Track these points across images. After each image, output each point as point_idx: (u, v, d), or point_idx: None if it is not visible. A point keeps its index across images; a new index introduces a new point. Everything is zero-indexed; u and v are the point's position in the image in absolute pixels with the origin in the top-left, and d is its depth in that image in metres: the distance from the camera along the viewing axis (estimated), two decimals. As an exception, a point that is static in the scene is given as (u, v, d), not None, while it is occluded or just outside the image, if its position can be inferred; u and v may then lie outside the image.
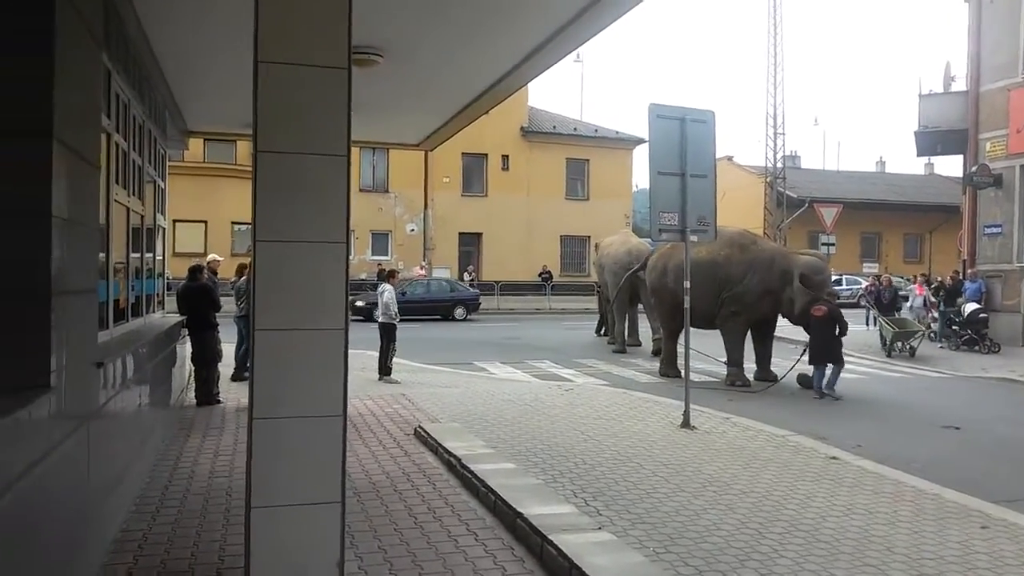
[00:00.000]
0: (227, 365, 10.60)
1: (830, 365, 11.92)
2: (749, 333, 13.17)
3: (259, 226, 3.66)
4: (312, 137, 3.71)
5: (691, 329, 12.81)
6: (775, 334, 13.84)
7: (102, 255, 5.37)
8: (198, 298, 9.72)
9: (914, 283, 22.61)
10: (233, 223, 30.94)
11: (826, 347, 11.98)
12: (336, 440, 3.75)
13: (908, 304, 20.90)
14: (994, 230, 20.11)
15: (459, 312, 26.93)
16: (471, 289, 29.67)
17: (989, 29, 20.25)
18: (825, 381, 11.87)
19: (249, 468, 3.74)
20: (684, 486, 6.42)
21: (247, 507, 3.73)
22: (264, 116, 3.64)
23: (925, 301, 20.54)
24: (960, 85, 21.72)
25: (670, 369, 13.65)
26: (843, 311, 12.65)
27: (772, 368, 13.34)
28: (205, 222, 31.37)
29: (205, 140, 29.56)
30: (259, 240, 3.66)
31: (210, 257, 11.84)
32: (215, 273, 11.25)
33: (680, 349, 11.78)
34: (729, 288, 12.81)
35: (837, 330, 11.96)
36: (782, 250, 14.41)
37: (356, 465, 6.97)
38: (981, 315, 18.16)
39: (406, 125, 8.54)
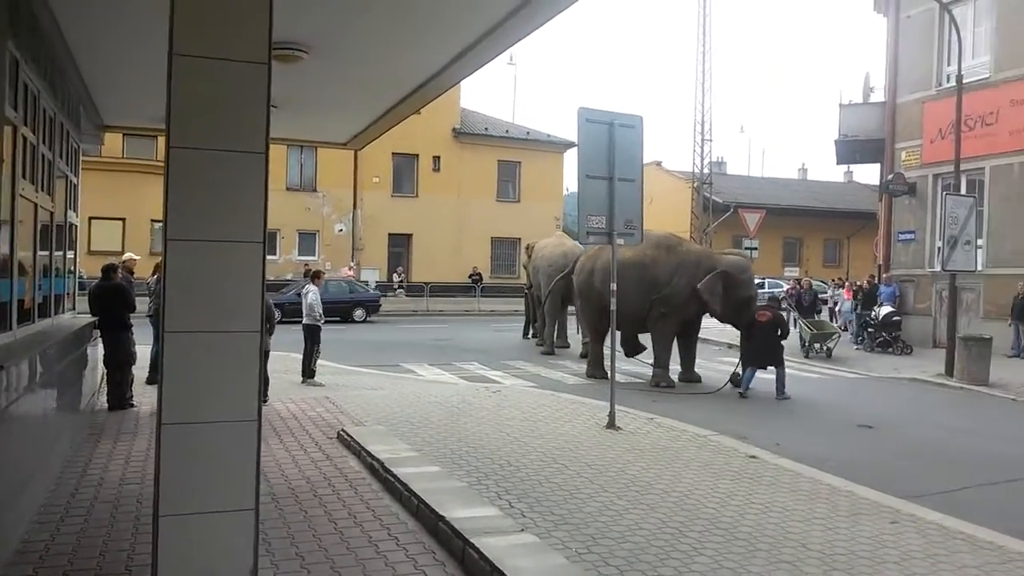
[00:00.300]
0: (141, 368, 10.23)
1: (772, 368, 12.34)
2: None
3: (171, 224, 3.53)
4: (228, 133, 3.59)
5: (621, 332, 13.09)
6: (699, 336, 14.13)
7: (5, 252, 5.12)
8: (112, 298, 9.36)
9: (842, 287, 22.98)
10: (153, 221, 29.95)
11: (769, 351, 12.37)
12: (249, 445, 3.64)
13: (836, 308, 21.54)
14: (908, 237, 20.91)
15: (358, 314, 26.45)
16: (371, 291, 29.20)
17: (905, 44, 21.06)
18: (775, 384, 12.29)
19: (157, 475, 3.61)
20: (608, 487, 6.46)
21: (155, 515, 3.60)
22: (178, 110, 3.51)
23: (853, 305, 21.17)
24: (879, 96, 22.54)
25: (597, 371, 13.75)
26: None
27: (696, 369, 13.60)
28: (123, 220, 30.36)
29: (124, 135, 28.65)
30: (171, 239, 3.52)
31: (126, 256, 11.41)
32: (131, 272, 10.85)
33: (607, 351, 11.95)
34: (658, 290, 12.99)
35: (779, 333, 12.39)
36: (707, 251, 14.73)
37: (275, 470, 6.80)
38: (895, 318, 18.87)
39: (333, 124, 8.38)
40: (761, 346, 12.40)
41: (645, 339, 14.24)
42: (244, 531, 3.72)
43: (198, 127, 3.56)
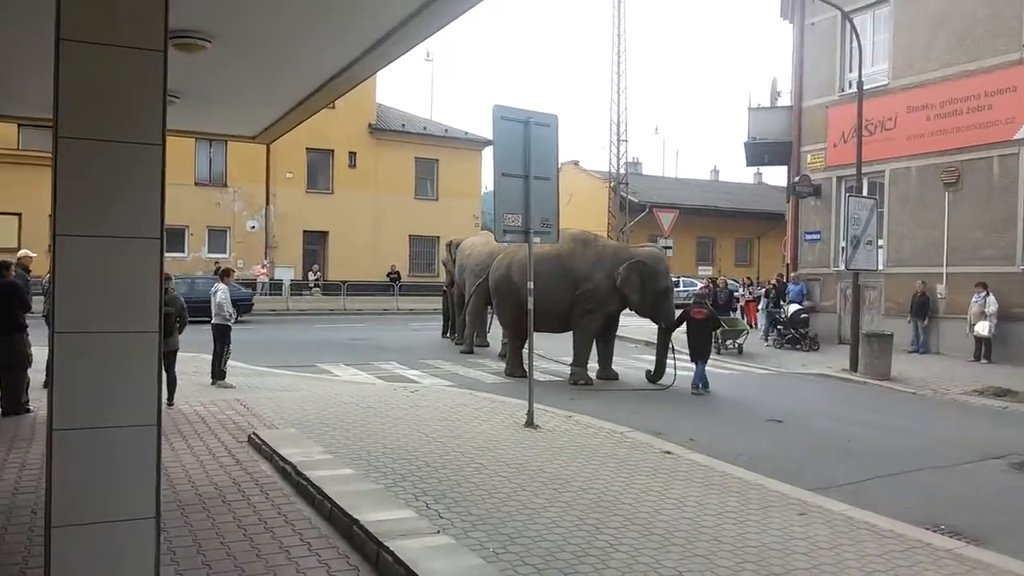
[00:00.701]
0: (38, 370, 9.70)
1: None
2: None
3: (61, 219, 3.33)
4: (122, 123, 3.40)
5: (544, 332, 13.15)
6: (617, 333, 14.30)
7: None
8: (5, 297, 8.85)
9: (768, 286, 22.93)
10: (51, 216, 28.53)
11: (704, 345, 12.96)
12: (149, 451, 3.46)
13: (761, 307, 21.95)
14: (814, 237, 21.68)
15: None
16: (243, 289, 28.13)
17: (810, 50, 21.80)
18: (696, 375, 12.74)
19: (49, 483, 3.40)
20: (526, 485, 6.44)
21: (47, 526, 3.40)
22: (66, 99, 3.30)
23: (765, 303, 21.63)
24: (785, 100, 23.28)
25: (516, 370, 13.75)
26: (679, 309, 13.40)
27: (613, 367, 13.76)
28: (19, 214, 28.84)
29: (20, 126, 27.24)
30: (60, 234, 3.32)
31: (21, 253, 10.78)
32: (27, 270, 10.28)
33: (525, 350, 11.98)
34: (578, 285, 13.08)
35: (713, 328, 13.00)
36: (622, 245, 14.91)
37: (182, 476, 6.54)
38: (803, 315, 19.53)
39: (241, 116, 8.10)
40: (699, 341, 12.87)
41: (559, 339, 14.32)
42: (144, 541, 3.55)
43: (89, 116, 3.35)
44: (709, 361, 13.14)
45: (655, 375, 13.33)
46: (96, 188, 3.37)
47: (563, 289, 13.08)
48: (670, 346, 13.09)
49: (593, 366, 13.54)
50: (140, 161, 3.43)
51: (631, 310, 13.51)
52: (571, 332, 13.54)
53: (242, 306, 25.42)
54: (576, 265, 13.13)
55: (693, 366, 12.85)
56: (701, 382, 12.58)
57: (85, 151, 3.35)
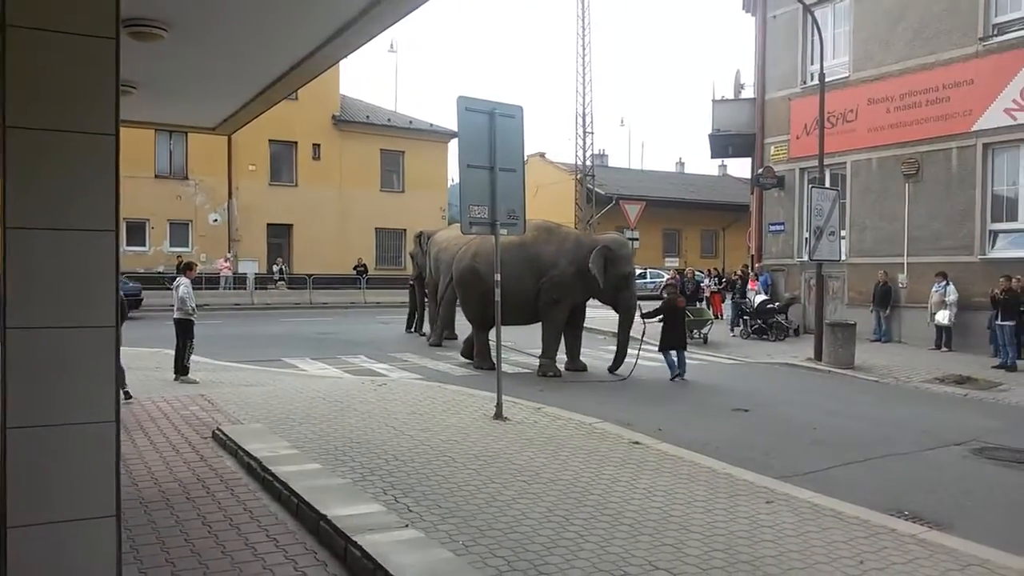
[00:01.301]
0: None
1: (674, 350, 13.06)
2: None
3: (11, 211, 3.20)
4: (74, 113, 3.29)
5: (511, 325, 13.10)
6: (585, 325, 14.33)
7: None
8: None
9: (734, 277, 22.84)
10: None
11: (684, 334, 13.22)
12: (108, 448, 3.37)
13: (747, 298, 21.32)
14: (777, 228, 21.90)
15: None
16: (129, 284, 27.53)
17: (772, 42, 21.99)
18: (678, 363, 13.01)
19: (4, 483, 3.30)
20: (495, 478, 6.41)
21: (2, 527, 3.30)
22: (14, 87, 3.18)
23: (757, 295, 21.07)
24: (749, 92, 23.42)
25: (484, 362, 13.72)
26: (645, 301, 13.48)
27: (581, 358, 13.79)
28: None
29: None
30: (11, 227, 3.20)
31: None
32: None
33: (493, 342, 11.95)
34: (544, 273, 13.08)
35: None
36: (585, 232, 14.86)
37: (144, 473, 6.42)
38: (769, 306, 19.73)
39: (200, 107, 7.93)
40: (680, 331, 13.12)
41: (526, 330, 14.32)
42: (105, 540, 3.46)
43: (38, 105, 3.24)
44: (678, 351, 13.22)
45: (615, 364, 13.40)
46: (48, 180, 3.26)
47: (528, 277, 13.08)
48: (639, 338, 13.19)
49: (561, 358, 13.55)
50: (93, 152, 3.33)
51: (595, 298, 13.54)
52: (538, 324, 13.53)
53: (130, 302, 24.65)
54: (540, 253, 13.15)
55: (661, 357, 12.96)
56: (683, 368, 12.89)
57: (35, 142, 3.24)
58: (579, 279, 12.99)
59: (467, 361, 14.34)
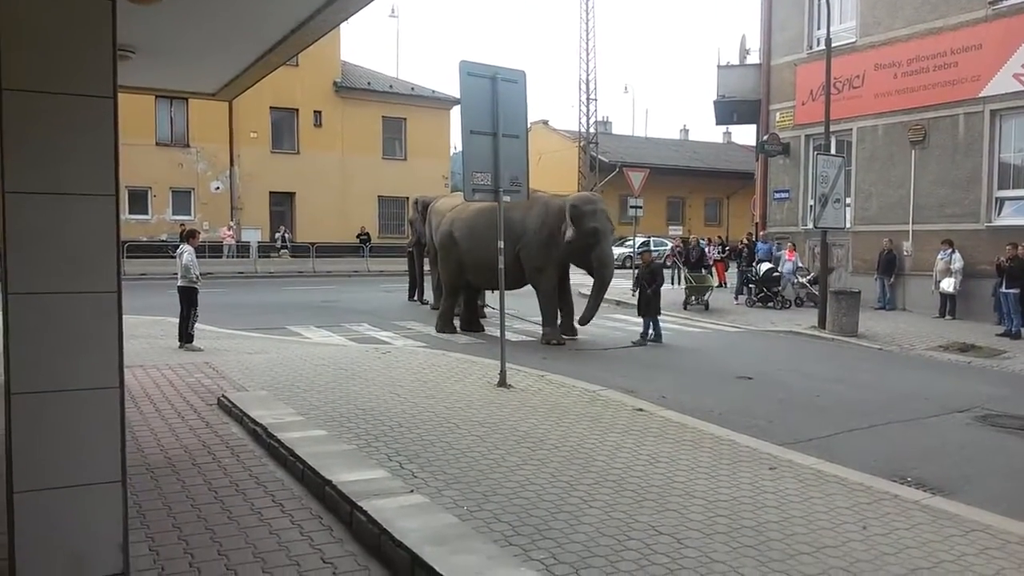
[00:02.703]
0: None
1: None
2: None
3: (9, 176, 3.17)
4: (70, 75, 3.25)
5: (488, 289, 13.16)
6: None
7: None
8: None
9: (785, 249, 20.35)
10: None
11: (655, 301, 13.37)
12: (112, 414, 3.37)
13: (780, 269, 19.73)
14: (783, 195, 21.77)
15: None
16: None
17: (778, 7, 21.69)
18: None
19: (9, 449, 3.32)
20: (499, 444, 6.43)
21: (8, 492, 3.33)
22: (9, 48, 3.13)
23: (795, 266, 19.73)
24: (755, 58, 23.16)
25: (447, 326, 14.06)
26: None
27: (592, 327, 13.81)
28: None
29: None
30: (10, 191, 3.17)
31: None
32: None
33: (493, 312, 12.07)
34: (518, 240, 13.10)
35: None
36: (553, 194, 14.58)
37: (150, 439, 6.44)
38: (774, 274, 19.66)
39: (200, 72, 7.81)
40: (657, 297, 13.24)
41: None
42: (110, 505, 3.50)
43: (34, 67, 3.20)
44: (679, 318, 13.26)
45: (584, 317, 13.41)
46: (46, 144, 3.23)
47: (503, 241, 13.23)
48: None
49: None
50: (91, 115, 3.29)
51: (572, 261, 13.50)
52: (521, 291, 13.66)
53: None
54: (511, 218, 13.15)
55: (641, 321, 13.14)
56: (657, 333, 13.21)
57: (32, 104, 3.21)
58: (551, 241, 12.94)
59: (481, 331, 14.45)
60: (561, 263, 13.35)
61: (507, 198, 9.41)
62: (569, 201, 13.14)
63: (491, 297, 15.74)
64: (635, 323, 13.39)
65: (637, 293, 13.40)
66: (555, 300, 13.30)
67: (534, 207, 13.13)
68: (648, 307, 13.26)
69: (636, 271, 13.45)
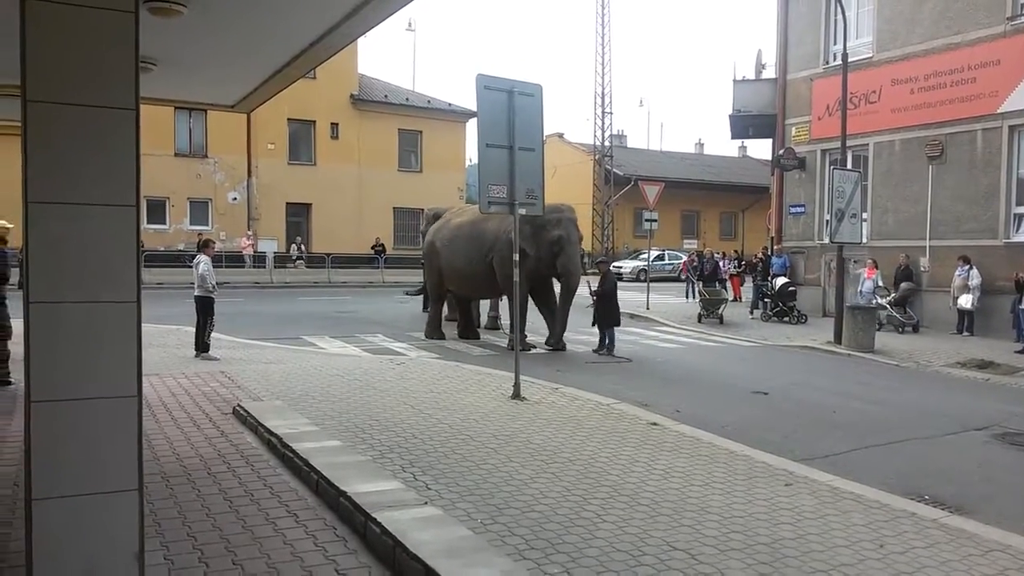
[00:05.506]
0: (17, 343, 9.57)
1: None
2: (532, 300, 13.71)
3: (33, 186, 3.21)
4: (93, 88, 3.28)
5: (470, 297, 13.17)
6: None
7: None
8: (-20, 269, 8.69)
9: (865, 266, 18.62)
10: (30, 188, 28.00)
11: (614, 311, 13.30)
12: (130, 423, 3.39)
13: (858, 288, 18.32)
14: (798, 210, 21.69)
15: None
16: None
17: (794, 22, 21.67)
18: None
19: (28, 456, 3.35)
20: (513, 457, 6.42)
21: (27, 499, 3.35)
22: (35, 61, 3.18)
23: (875, 284, 18.18)
24: (770, 72, 23.14)
25: (434, 332, 14.54)
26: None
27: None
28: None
29: (-4, 95, 26.65)
30: (33, 202, 3.21)
31: (-2, 223, 10.58)
32: (4, 241, 10.09)
33: (497, 318, 12.06)
34: (491, 249, 13.36)
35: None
36: None
37: (166, 448, 6.48)
38: (790, 288, 19.57)
39: (219, 84, 7.90)
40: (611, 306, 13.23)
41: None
42: (127, 513, 3.50)
43: (58, 79, 3.24)
44: (693, 332, 13.19)
45: (555, 338, 13.44)
46: (69, 154, 3.26)
47: (474, 253, 13.66)
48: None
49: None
50: (113, 126, 3.33)
51: (543, 272, 13.54)
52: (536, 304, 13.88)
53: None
54: (486, 229, 13.49)
55: (671, 338, 12.99)
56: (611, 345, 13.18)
57: (55, 115, 3.24)
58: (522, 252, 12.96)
59: (476, 340, 14.66)
60: (531, 272, 13.22)
61: (523, 210, 9.43)
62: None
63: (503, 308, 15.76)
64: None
65: (592, 303, 13.36)
66: (523, 308, 13.26)
67: (507, 219, 12.98)
68: (604, 318, 13.18)
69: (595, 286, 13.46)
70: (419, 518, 4.66)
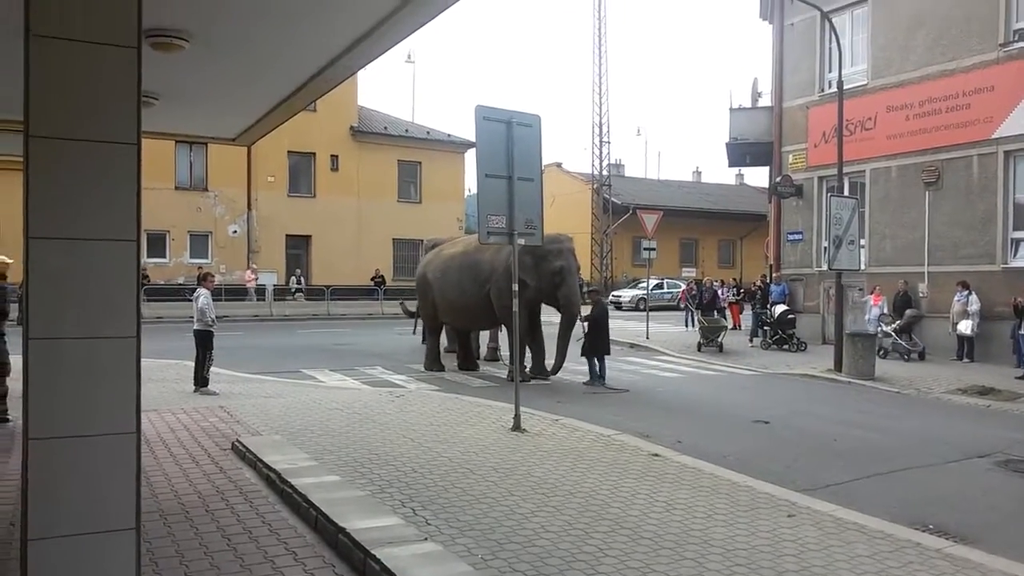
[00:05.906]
0: (16, 379, 9.54)
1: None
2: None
3: (33, 221, 3.23)
4: (96, 122, 3.31)
5: (464, 328, 13.10)
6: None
7: None
8: (-20, 305, 8.68)
9: (871, 293, 18.61)
10: (30, 223, 28.08)
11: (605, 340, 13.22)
12: (128, 460, 3.37)
13: (865, 316, 18.38)
14: (796, 237, 21.74)
15: None
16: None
17: (790, 50, 21.89)
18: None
19: (25, 496, 3.32)
20: (513, 490, 6.38)
21: (23, 540, 3.31)
22: (38, 97, 3.21)
23: (880, 311, 18.10)
24: (767, 100, 23.30)
25: (433, 364, 14.54)
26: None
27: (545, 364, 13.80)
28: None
29: (-3, 131, 26.84)
30: (33, 237, 3.22)
31: (-2, 259, 10.59)
32: (3, 277, 10.09)
33: (492, 351, 12.05)
34: (487, 280, 13.33)
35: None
36: None
37: (164, 484, 6.43)
38: (789, 316, 19.55)
39: (220, 118, 8.00)
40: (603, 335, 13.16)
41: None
42: (124, 553, 3.47)
43: (60, 115, 3.27)
44: (693, 361, 13.15)
45: (554, 367, 13.43)
46: (70, 189, 3.29)
47: (469, 284, 13.63)
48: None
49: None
50: (115, 161, 3.35)
51: (543, 301, 13.57)
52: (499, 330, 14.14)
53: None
54: (481, 259, 13.48)
55: (669, 367, 12.90)
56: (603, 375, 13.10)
57: (57, 151, 3.27)
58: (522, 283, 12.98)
59: (476, 371, 14.61)
60: (529, 303, 13.24)
61: (522, 240, 9.46)
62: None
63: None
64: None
65: (584, 332, 13.34)
66: (524, 339, 13.28)
67: (503, 249, 12.90)
68: (593, 347, 13.16)
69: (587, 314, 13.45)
70: (419, 554, 4.62)
